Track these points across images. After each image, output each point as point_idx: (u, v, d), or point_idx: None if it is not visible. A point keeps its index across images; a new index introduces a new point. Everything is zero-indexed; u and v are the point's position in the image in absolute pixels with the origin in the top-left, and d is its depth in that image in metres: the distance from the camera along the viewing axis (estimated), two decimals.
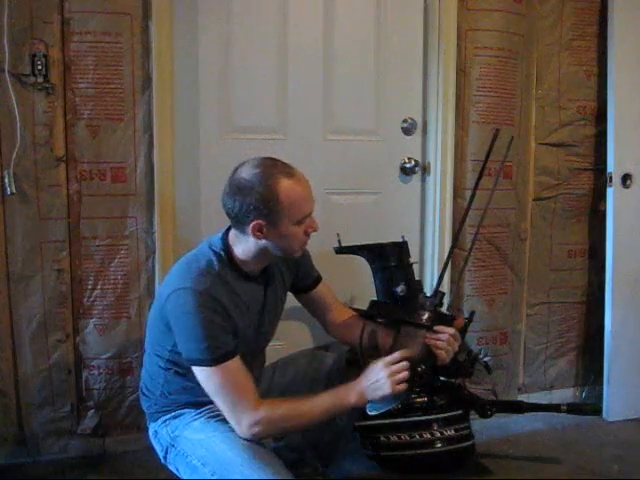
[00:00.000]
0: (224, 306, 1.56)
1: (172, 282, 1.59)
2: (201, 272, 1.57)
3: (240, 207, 1.55)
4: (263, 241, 1.59)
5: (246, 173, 1.56)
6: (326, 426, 1.81)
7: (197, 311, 1.51)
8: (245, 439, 1.54)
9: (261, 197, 1.53)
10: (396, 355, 1.57)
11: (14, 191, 2.07)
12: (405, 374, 1.54)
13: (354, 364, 1.77)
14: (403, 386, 1.53)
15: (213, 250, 1.63)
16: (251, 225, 1.56)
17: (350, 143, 2.47)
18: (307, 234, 1.63)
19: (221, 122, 2.34)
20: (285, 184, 1.55)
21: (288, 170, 1.58)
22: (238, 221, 1.59)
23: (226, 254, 1.63)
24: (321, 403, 1.56)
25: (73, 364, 2.23)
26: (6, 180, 2.06)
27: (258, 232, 1.57)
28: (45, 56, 2.06)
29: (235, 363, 1.55)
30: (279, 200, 1.54)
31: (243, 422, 1.52)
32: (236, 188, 1.56)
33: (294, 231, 1.59)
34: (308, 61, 2.39)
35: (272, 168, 1.57)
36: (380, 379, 1.54)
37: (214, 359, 1.52)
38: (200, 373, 1.54)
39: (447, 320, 1.70)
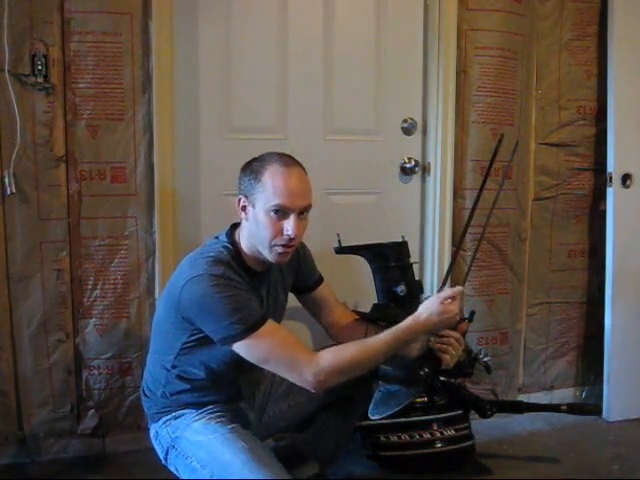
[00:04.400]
0: (241, 283, 1.56)
1: (183, 275, 1.58)
2: (212, 261, 1.57)
3: (238, 183, 1.62)
4: (247, 224, 1.61)
5: (258, 156, 1.63)
6: (326, 427, 1.82)
7: (217, 290, 1.51)
8: (314, 393, 1.57)
9: (250, 172, 1.60)
10: (460, 288, 1.64)
11: (14, 191, 2.07)
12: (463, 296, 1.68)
13: None
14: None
15: (221, 244, 1.64)
16: (237, 199, 1.62)
17: (350, 143, 2.47)
18: (281, 236, 1.57)
19: (221, 122, 2.34)
20: (274, 168, 1.57)
21: (288, 162, 1.60)
22: (238, 200, 1.63)
23: (233, 247, 1.64)
24: (386, 344, 1.56)
25: (73, 364, 2.23)
26: (6, 180, 2.06)
27: (242, 210, 1.61)
28: (45, 56, 2.06)
29: (271, 325, 1.55)
30: (261, 179, 1.57)
31: (306, 375, 1.51)
32: (243, 166, 1.63)
33: (264, 220, 1.56)
34: (308, 61, 2.39)
35: (276, 155, 1.61)
36: (452, 310, 1.60)
37: (249, 328, 1.51)
38: (242, 348, 1.52)
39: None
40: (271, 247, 1.59)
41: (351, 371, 1.56)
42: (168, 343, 1.65)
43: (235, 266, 1.59)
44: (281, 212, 1.56)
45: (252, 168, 1.60)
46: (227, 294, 1.51)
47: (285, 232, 1.57)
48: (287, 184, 1.56)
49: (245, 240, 1.64)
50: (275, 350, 1.53)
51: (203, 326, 1.55)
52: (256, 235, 1.60)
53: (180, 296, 1.55)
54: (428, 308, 1.60)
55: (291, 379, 1.55)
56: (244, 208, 1.61)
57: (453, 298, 1.61)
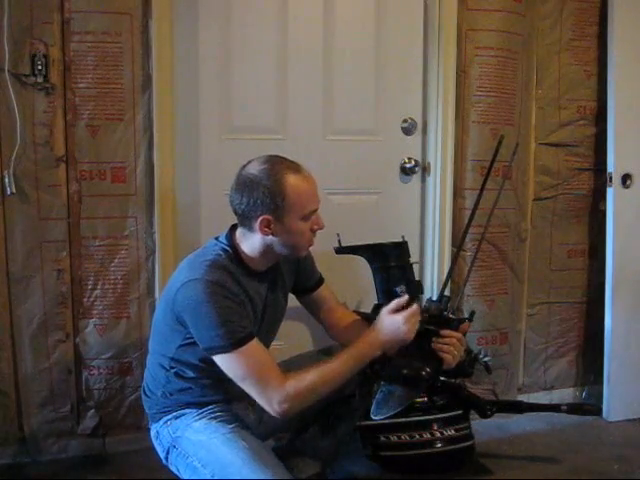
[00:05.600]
0: (235, 294, 1.56)
1: (181, 276, 1.58)
2: (210, 265, 1.57)
3: (247, 202, 1.58)
4: (270, 237, 1.60)
5: (254, 169, 1.59)
6: (326, 427, 1.82)
7: (210, 299, 1.51)
8: (279, 419, 1.55)
9: (268, 191, 1.56)
10: (403, 299, 1.65)
11: (14, 191, 2.07)
12: (418, 317, 1.63)
13: None
14: (416, 327, 1.63)
15: (220, 246, 1.65)
16: (258, 220, 1.58)
17: (350, 143, 2.47)
18: (313, 231, 1.65)
19: (221, 122, 2.34)
20: (292, 179, 1.58)
21: (295, 167, 1.61)
22: (245, 217, 1.60)
23: (233, 250, 1.64)
24: (344, 365, 1.58)
25: (73, 364, 2.23)
26: (6, 180, 2.06)
27: (265, 228, 1.59)
28: (45, 56, 2.06)
29: (255, 344, 1.55)
30: (286, 194, 1.56)
31: (273, 401, 1.52)
32: (244, 183, 1.59)
33: (301, 227, 1.61)
34: (308, 61, 2.39)
35: (279, 164, 1.60)
36: (400, 327, 1.61)
37: (233, 343, 1.51)
38: (222, 361, 1.53)
39: (453, 324, 1.70)
40: (302, 249, 1.67)
41: (312, 397, 1.56)
42: (165, 344, 1.65)
43: (233, 269, 1.60)
44: (312, 214, 1.63)
45: (266, 186, 1.55)
46: (219, 304, 1.51)
47: (318, 227, 1.66)
48: (309, 189, 1.61)
49: (251, 247, 1.63)
50: (250, 372, 1.53)
51: (191, 329, 1.56)
52: (288, 243, 1.62)
53: (175, 298, 1.56)
54: (378, 322, 1.65)
55: (259, 402, 1.54)
56: (268, 226, 1.59)
57: (402, 306, 1.64)
